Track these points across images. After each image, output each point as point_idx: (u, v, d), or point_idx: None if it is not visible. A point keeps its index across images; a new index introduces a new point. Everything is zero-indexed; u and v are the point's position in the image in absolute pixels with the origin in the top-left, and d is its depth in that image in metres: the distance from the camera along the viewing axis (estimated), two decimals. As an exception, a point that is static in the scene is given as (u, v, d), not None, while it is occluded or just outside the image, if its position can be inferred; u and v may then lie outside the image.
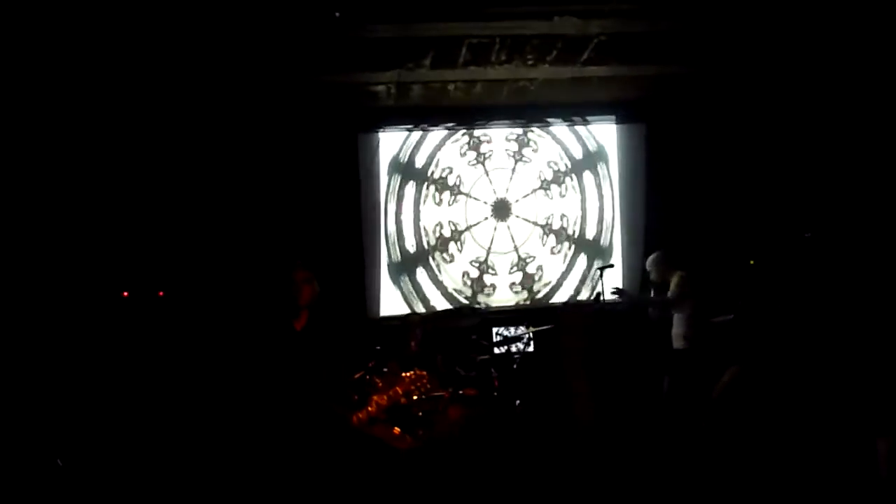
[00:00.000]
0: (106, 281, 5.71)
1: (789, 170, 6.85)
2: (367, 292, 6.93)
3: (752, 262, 6.92)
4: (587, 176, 7.32)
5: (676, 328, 5.58)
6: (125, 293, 5.65)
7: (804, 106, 6.61)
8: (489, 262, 7.19)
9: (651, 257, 5.78)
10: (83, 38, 4.83)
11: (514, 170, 7.19)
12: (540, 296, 7.27)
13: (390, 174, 6.99)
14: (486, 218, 7.18)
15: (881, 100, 6.11)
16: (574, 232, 7.33)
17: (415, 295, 7.05)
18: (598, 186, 7.34)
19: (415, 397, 5.18)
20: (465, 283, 7.16)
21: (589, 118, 7.23)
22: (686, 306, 5.51)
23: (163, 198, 6.17)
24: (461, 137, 7.12)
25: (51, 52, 4.89)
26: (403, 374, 5.33)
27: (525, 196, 7.23)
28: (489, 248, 7.18)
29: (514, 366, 6.06)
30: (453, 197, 7.13)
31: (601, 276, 5.90)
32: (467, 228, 7.15)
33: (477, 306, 7.01)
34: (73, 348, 5.10)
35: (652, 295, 5.84)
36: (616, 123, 7.29)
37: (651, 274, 5.74)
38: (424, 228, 7.07)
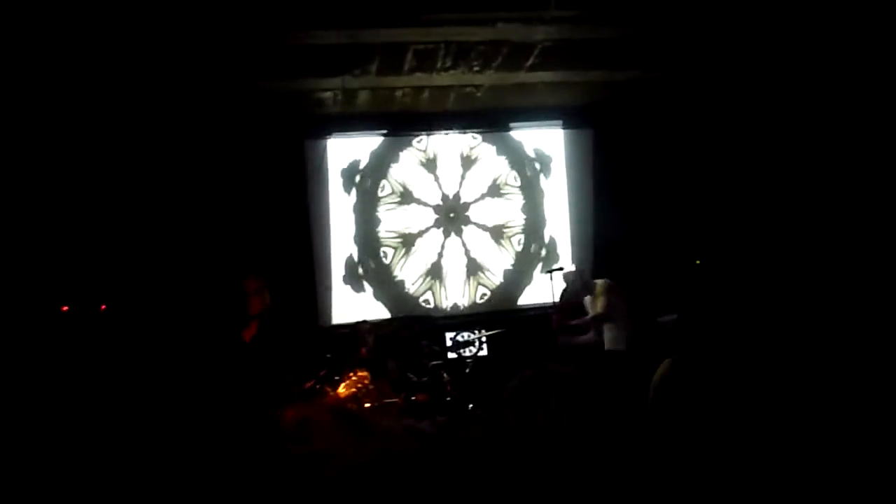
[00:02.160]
0: (44, 295, 5.52)
1: (734, 171, 7.03)
2: (318, 301, 6.86)
3: (697, 262, 7.09)
4: (535, 181, 7.39)
5: (611, 332, 5.60)
6: (64, 307, 5.47)
7: (747, 109, 6.79)
8: (441, 268, 7.19)
9: (567, 273, 5.83)
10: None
11: (463, 175, 7.21)
12: (492, 300, 7.30)
13: (338, 180, 6.94)
14: (437, 223, 7.18)
15: (825, 100, 6.31)
16: (523, 236, 7.39)
17: (366, 302, 7.00)
18: (545, 191, 7.42)
19: (366, 404, 5.19)
20: (416, 290, 7.14)
21: (536, 124, 7.30)
22: (618, 313, 5.56)
23: (104, 208, 6.01)
24: (409, 143, 7.11)
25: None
26: (347, 375, 5.32)
27: (475, 201, 7.26)
28: (440, 254, 7.18)
29: (467, 370, 6.07)
30: (403, 203, 7.11)
31: (551, 278, 5.91)
32: (418, 234, 7.14)
33: (428, 313, 7.01)
34: (8, 365, 4.91)
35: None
36: (563, 129, 7.38)
37: (569, 287, 5.80)
38: (374, 235, 7.03)
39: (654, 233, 7.16)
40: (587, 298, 5.78)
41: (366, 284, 7.02)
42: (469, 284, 7.27)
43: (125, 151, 6.07)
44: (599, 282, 5.70)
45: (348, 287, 6.97)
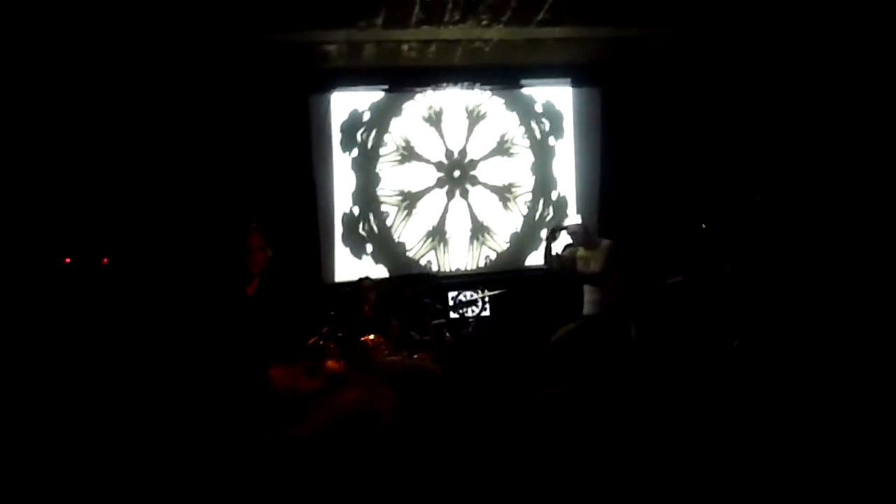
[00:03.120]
0: (47, 248, 5.50)
1: (741, 133, 6.93)
2: (321, 257, 6.84)
3: (703, 225, 7.04)
4: (544, 139, 7.30)
5: (594, 294, 5.36)
6: (67, 259, 5.45)
7: (759, 70, 6.66)
8: (444, 227, 7.14)
9: (571, 226, 5.58)
10: None
11: (469, 132, 7.12)
12: (497, 263, 7.27)
13: (339, 135, 6.85)
14: (441, 182, 7.11)
15: (837, 67, 6.19)
16: (531, 197, 7.32)
17: (367, 262, 6.98)
18: (555, 150, 7.33)
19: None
20: (418, 252, 7.09)
21: (544, 81, 7.18)
22: (612, 275, 5.34)
23: (107, 160, 5.95)
24: (413, 98, 6.99)
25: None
26: (363, 339, 5.32)
27: (481, 158, 7.18)
28: (444, 212, 7.13)
29: (469, 329, 6.07)
30: (405, 160, 7.03)
31: (553, 238, 5.76)
32: (422, 192, 7.07)
33: (432, 271, 6.99)
34: (11, 318, 4.92)
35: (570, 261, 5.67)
36: (571, 87, 7.26)
37: (573, 239, 5.58)
38: (374, 193, 6.97)
39: (661, 194, 7.09)
40: (579, 251, 5.56)
41: (366, 244, 6.99)
42: (473, 248, 7.22)
43: (128, 103, 5.98)
44: (605, 242, 5.52)
45: (350, 246, 6.94)
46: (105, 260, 5.59)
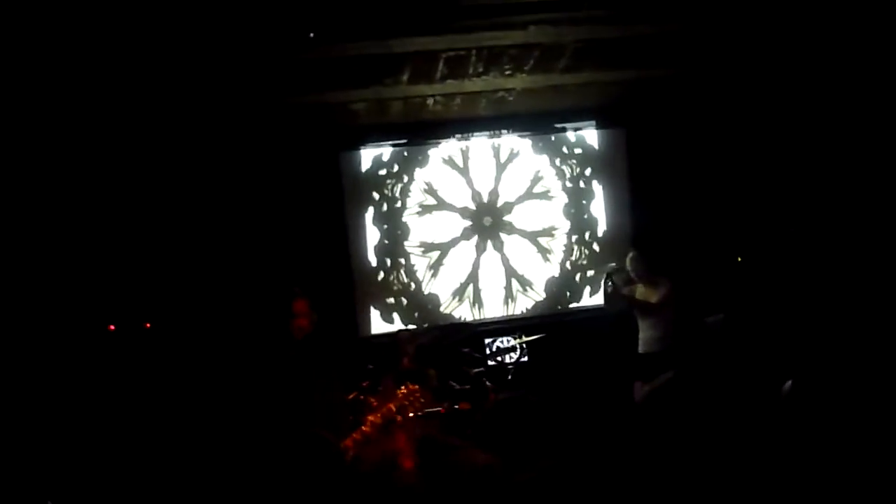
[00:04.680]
0: (91, 315, 5.61)
1: (771, 167, 6.88)
2: (357, 311, 6.88)
3: (739, 259, 6.95)
4: (575, 181, 7.32)
5: (651, 331, 5.48)
6: (111, 326, 5.56)
7: (783, 103, 6.65)
8: (477, 280, 7.15)
9: (632, 256, 5.66)
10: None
11: (497, 180, 7.17)
12: (534, 306, 7.23)
13: (368, 189, 6.96)
14: (471, 231, 7.15)
15: (860, 99, 6.15)
16: (566, 241, 7.31)
17: (405, 312, 6.99)
18: (585, 192, 7.35)
19: (410, 413, 5.16)
20: (449, 306, 7.10)
21: (569, 125, 7.24)
22: (668, 312, 5.45)
23: (147, 226, 6.10)
24: (443, 150, 7.09)
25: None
26: (398, 392, 5.32)
27: (512, 203, 7.21)
28: (477, 260, 7.15)
29: (509, 377, 6.02)
30: (439, 210, 7.09)
31: (609, 280, 5.76)
32: (454, 240, 7.11)
33: (468, 320, 6.97)
34: (59, 385, 5.01)
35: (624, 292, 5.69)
36: (596, 129, 7.31)
37: (632, 272, 5.64)
38: (401, 245, 7.03)
39: (693, 231, 7.04)
40: (639, 288, 5.61)
41: (400, 298, 7.01)
42: (509, 297, 7.20)
43: (167, 172, 6.16)
44: (663, 277, 5.57)
45: (382, 300, 6.98)
46: (147, 325, 5.68)
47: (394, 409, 5.13)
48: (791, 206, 6.76)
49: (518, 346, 6.42)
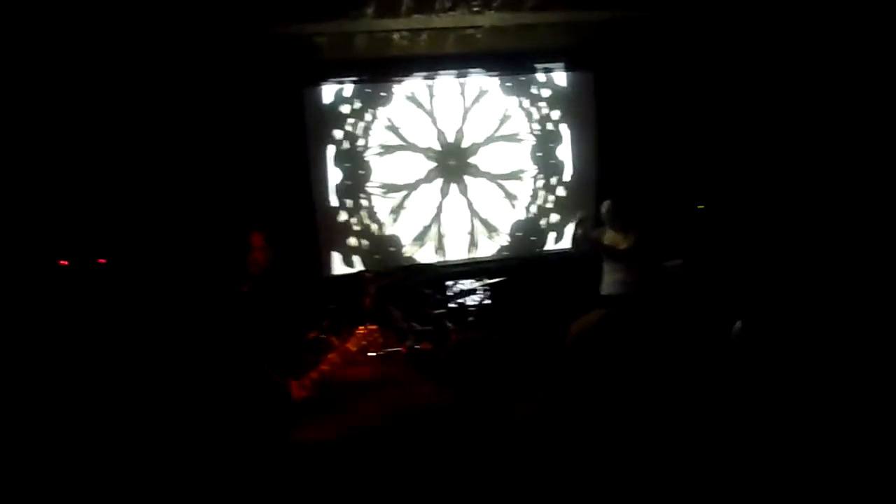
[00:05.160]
0: (42, 250, 5.46)
1: (735, 113, 6.89)
2: (320, 251, 6.82)
3: (700, 206, 7.01)
4: (543, 123, 7.25)
5: (615, 274, 5.55)
6: (63, 262, 5.42)
7: (750, 51, 6.62)
8: (441, 216, 7.11)
9: (608, 204, 5.67)
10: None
11: (464, 120, 7.07)
12: (495, 251, 7.24)
13: (337, 129, 6.80)
14: (437, 171, 7.07)
15: (823, 46, 6.16)
16: (529, 183, 7.28)
17: (366, 254, 6.94)
18: (553, 135, 7.28)
19: (370, 353, 5.18)
20: (412, 249, 7.06)
21: (537, 66, 7.13)
22: (634, 258, 5.51)
23: (101, 158, 5.90)
24: (407, 88, 6.94)
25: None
26: (356, 330, 5.32)
27: (477, 146, 7.13)
28: (441, 204, 7.09)
29: (470, 318, 6.05)
30: (403, 151, 6.98)
31: (582, 224, 5.78)
32: (418, 182, 7.03)
33: (431, 262, 6.96)
34: (7, 320, 4.89)
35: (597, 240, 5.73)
36: (565, 71, 7.21)
37: (606, 220, 5.67)
38: (372, 184, 6.93)
39: (657, 177, 7.06)
40: (608, 233, 5.66)
41: (361, 240, 6.95)
42: (472, 244, 7.18)
43: (122, 102, 5.94)
44: (634, 225, 5.61)
45: (350, 237, 6.91)
46: (102, 261, 5.54)
47: (353, 348, 5.14)
48: (754, 155, 6.81)
49: (480, 288, 6.44)
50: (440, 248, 7.11)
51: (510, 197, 7.24)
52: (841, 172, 6.21)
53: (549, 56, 7.06)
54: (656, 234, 5.64)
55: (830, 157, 6.30)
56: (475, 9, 5.70)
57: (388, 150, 6.93)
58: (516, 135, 7.21)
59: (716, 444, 1.74)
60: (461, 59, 6.85)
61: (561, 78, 7.24)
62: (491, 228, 7.22)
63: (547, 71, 7.18)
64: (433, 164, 7.04)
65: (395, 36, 6.15)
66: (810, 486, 1.76)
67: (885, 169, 5.95)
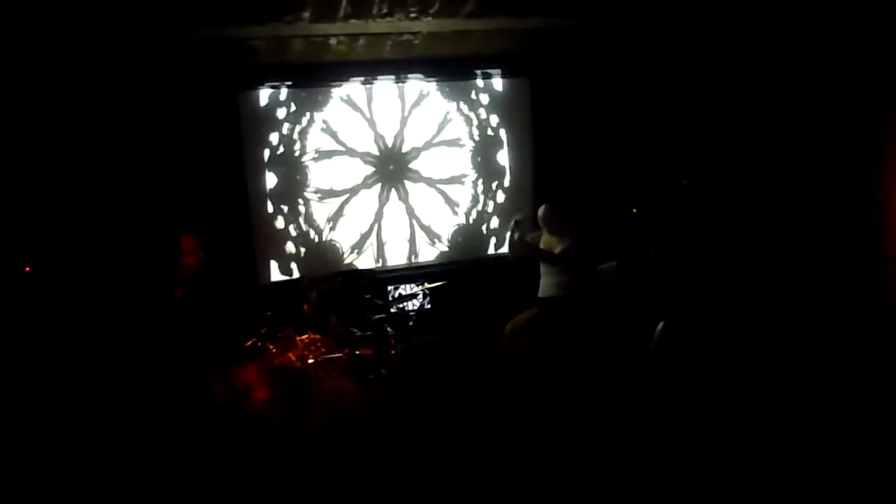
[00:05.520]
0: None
1: (668, 120, 7.11)
2: (256, 258, 6.72)
3: (634, 210, 7.19)
4: (478, 130, 7.32)
5: (551, 277, 5.63)
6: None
7: (682, 59, 6.84)
8: (381, 222, 7.10)
9: (545, 209, 5.74)
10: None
11: (403, 125, 7.08)
12: (435, 256, 7.27)
13: (273, 133, 6.73)
14: (376, 175, 7.06)
15: (755, 53, 6.40)
16: (469, 188, 7.34)
17: (303, 262, 6.88)
18: (494, 138, 7.36)
19: (310, 360, 5.15)
20: (351, 255, 7.03)
21: (475, 72, 7.20)
22: (570, 261, 5.58)
23: (27, 163, 5.69)
24: (344, 92, 6.92)
25: None
26: (297, 339, 5.28)
27: (416, 151, 7.15)
28: (380, 208, 7.09)
29: (410, 323, 6.07)
30: (341, 156, 6.95)
31: (518, 227, 5.83)
32: (356, 187, 7.01)
33: (370, 267, 6.95)
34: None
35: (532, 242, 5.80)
36: (501, 77, 7.32)
37: (542, 223, 5.74)
38: (310, 189, 6.88)
39: (592, 181, 7.23)
40: (544, 236, 5.73)
41: (299, 247, 6.89)
42: (412, 252, 7.19)
43: (50, 103, 5.74)
44: (570, 228, 5.69)
45: (287, 244, 6.84)
46: (27, 269, 5.35)
47: (294, 358, 5.10)
48: (685, 159, 7.03)
49: (421, 292, 6.46)
50: (380, 254, 7.10)
51: (450, 202, 7.29)
52: (765, 174, 6.47)
53: (487, 62, 7.15)
54: (591, 237, 5.75)
55: (755, 159, 6.55)
56: (412, 15, 5.72)
57: (325, 154, 6.89)
58: (457, 140, 7.26)
59: (631, 439, 1.80)
60: (399, 65, 6.87)
61: (499, 84, 7.34)
62: (431, 234, 7.25)
63: (485, 77, 7.27)
64: (371, 169, 7.03)
65: (332, 41, 6.14)
66: (726, 481, 1.84)
67: (800, 174, 6.22)
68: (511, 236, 5.75)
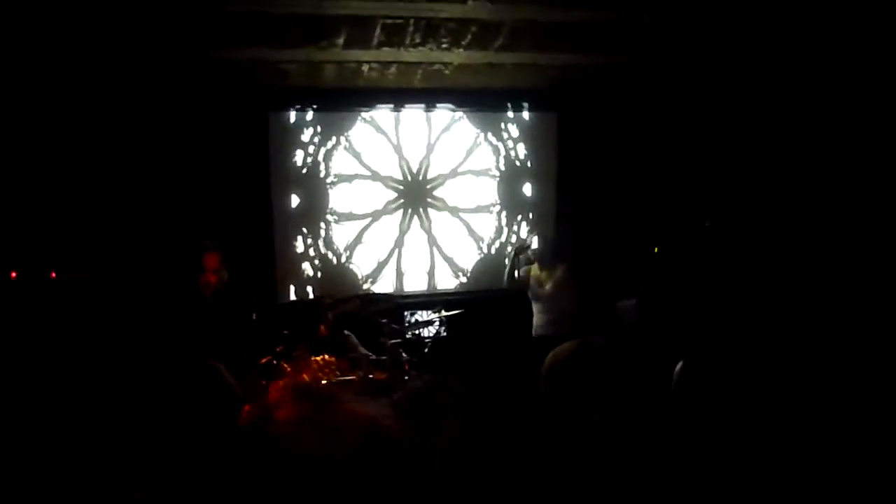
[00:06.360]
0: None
1: (693, 161, 7.12)
2: (276, 277, 6.78)
3: (656, 249, 7.18)
4: (504, 162, 7.37)
5: (542, 315, 5.53)
6: (13, 274, 5.30)
7: (709, 101, 6.86)
8: (401, 249, 7.14)
9: (537, 238, 5.69)
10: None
11: (429, 152, 7.15)
12: (455, 286, 7.27)
13: (299, 153, 6.82)
14: (397, 203, 7.12)
15: (782, 97, 6.40)
16: (493, 219, 7.37)
17: (321, 284, 6.92)
18: (520, 171, 7.40)
19: (323, 381, 5.15)
20: (373, 275, 7.07)
21: (502, 104, 7.28)
22: (561, 298, 5.49)
23: (58, 172, 5.82)
24: (374, 120, 7.01)
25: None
26: (312, 359, 5.30)
27: (440, 179, 7.21)
28: (402, 234, 7.13)
29: (426, 350, 6.07)
30: (364, 179, 7.03)
31: (517, 258, 5.86)
32: (379, 212, 7.07)
33: (388, 292, 6.97)
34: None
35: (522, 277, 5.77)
36: (529, 111, 7.38)
37: (532, 254, 5.69)
38: (332, 211, 6.94)
39: (615, 217, 7.23)
40: (534, 271, 5.68)
41: (320, 265, 6.93)
42: (432, 280, 7.21)
43: (82, 117, 5.89)
44: (562, 264, 5.64)
45: (305, 265, 6.89)
46: (53, 274, 5.44)
47: (307, 378, 5.10)
48: (708, 201, 7.02)
49: (438, 320, 6.47)
50: (399, 280, 7.13)
51: (473, 232, 7.32)
52: (790, 218, 6.43)
53: (515, 95, 7.23)
54: (587, 273, 5.67)
55: (781, 202, 6.52)
56: (444, 46, 5.82)
57: (348, 177, 6.97)
58: (485, 169, 7.31)
59: (651, 484, 1.79)
60: (428, 94, 6.97)
61: (526, 117, 7.40)
62: (454, 266, 7.26)
63: (514, 109, 7.33)
64: (394, 195, 7.09)
65: (364, 67, 6.24)
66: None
67: (825, 220, 6.18)
68: (511, 264, 5.72)
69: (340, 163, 6.93)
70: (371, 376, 5.48)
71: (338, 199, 6.94)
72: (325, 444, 1.38)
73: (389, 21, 5.30)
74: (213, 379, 1.90)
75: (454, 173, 7.24)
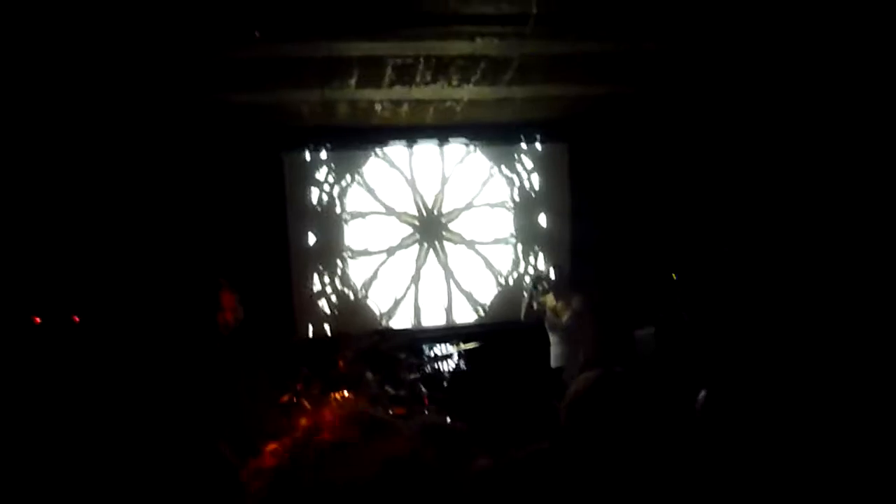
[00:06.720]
0: (15, 306, 5.43)
1: (707, 187, 7.11)
2: (295, 314, 6.82)
3: (673, 276, 7.13)
4: (518, 194, 7.41)
5: (559, 346, 5.54)
6: (37, 319, 5.38)
7: (719, 126, 6.88)
8: (418, 283, 7.16)
9: (553, 269, 5.71)
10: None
11: (442, 187, 7.21)
12: (473, 317, 7.27)
13: (314, 191, 6.91)
14: (412, 238, 7.16)
15: (793, 121, 6.41)
16: (509, 252, 7.39)
17: (338, 320, 6.94)
18: (529, 205, 7.44)
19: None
20: (393, 304, 7.09)
21: (514, 137, 7.34)
22: (579, 330, 5.50)
23: (78, 217, 5.94)
24: (388, 156, 7.10)
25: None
26: (332, 395, 5.30)
27: (455, 214, 7.26)
28: (418, 268, 7.16)
29: (445, 384, 6.05)
30: (379, 215, 7.09)
31: (535, 290, 5.87)
32: (394, 248, 7.11)
33: (406, 327, 6.98)
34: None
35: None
36: (540, 143, 7.44)
37: (548, 285, 5.71)
38: (348, 248, 7.00)
39: (629, 247, 7.21)
40: (550, 302, 5.69)
41: (337, 302, 6.97)
42: (449, 314, 7.21)
43: (101, 161, 6.02)
44: (577, 296, 5.64)
45: (322, 302, 6.93)
46: (76, 318, 5.52)
47: (329, 416, 5.08)
48: (725, 226, 6.99)
49: (456, 353, 6.46)
50: (416, 316, 7.14)
51: (490, 265, 7.33)
52: (808, 244, 6.38)
53: (526, 127, 7.29)
54: (604, 302, 5.66)
55: (798, 228, 6.48)
56: (454, 83, 5.91)
57: (363, 214, 7.04)
58: (500, 202, 7.35)
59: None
60: (441, 130, 7.06)
61: (538, 149, 7.45)
62: (470, 298, 7.26)
63: (527, 142, 7.39)
64: (410, 231, 7.14)
65: (377, 106, 6.35)
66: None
67: (843, 245, 6.13)
68: (530, 295, 5.73)
69: (355, 200, 7.01)
70: (391, 412, 5.48)
71: (353, 235, 7.00)
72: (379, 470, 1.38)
73: (399, 61, 5.41)
74: (215, 461, 1.88)
75: (469, 206, 7.28)
